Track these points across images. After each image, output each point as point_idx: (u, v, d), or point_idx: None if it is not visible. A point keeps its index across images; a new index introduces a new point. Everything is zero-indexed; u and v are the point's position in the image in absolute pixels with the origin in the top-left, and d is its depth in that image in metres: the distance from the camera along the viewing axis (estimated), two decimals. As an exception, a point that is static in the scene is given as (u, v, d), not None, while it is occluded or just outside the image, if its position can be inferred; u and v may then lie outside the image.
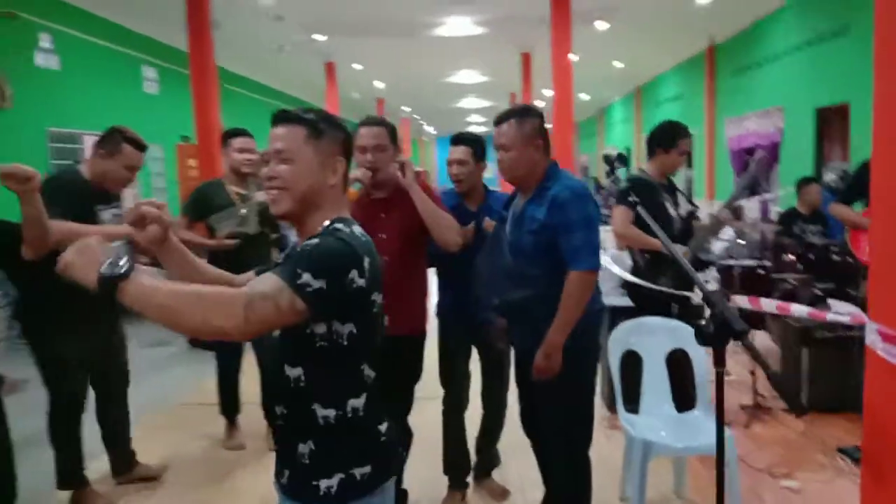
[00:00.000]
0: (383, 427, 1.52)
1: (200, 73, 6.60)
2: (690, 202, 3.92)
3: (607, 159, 14.77)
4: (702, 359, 2.99)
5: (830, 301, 4.33)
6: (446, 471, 3.21)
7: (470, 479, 3.26)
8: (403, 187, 2.67)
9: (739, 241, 5.97)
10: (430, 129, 31.68)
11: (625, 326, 3.08)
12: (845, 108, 7.61)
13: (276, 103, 15.36)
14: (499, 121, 2.55)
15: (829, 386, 4.04)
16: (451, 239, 2.67)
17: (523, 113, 2.55)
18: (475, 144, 3.02)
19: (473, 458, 3.27)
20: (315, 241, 1.37)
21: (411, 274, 2.76)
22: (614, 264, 4.28)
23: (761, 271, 5.29)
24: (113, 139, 3.06)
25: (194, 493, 3.39)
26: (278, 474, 1.50)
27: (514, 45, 12.33)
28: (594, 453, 2.62)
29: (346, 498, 1.41)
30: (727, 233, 7.36)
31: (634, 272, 3.71)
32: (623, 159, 14.61)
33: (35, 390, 3.22)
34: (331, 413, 1.42)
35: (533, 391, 2.66)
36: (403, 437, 2.87)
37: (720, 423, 1.62)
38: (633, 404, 3.03)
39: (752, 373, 4.31)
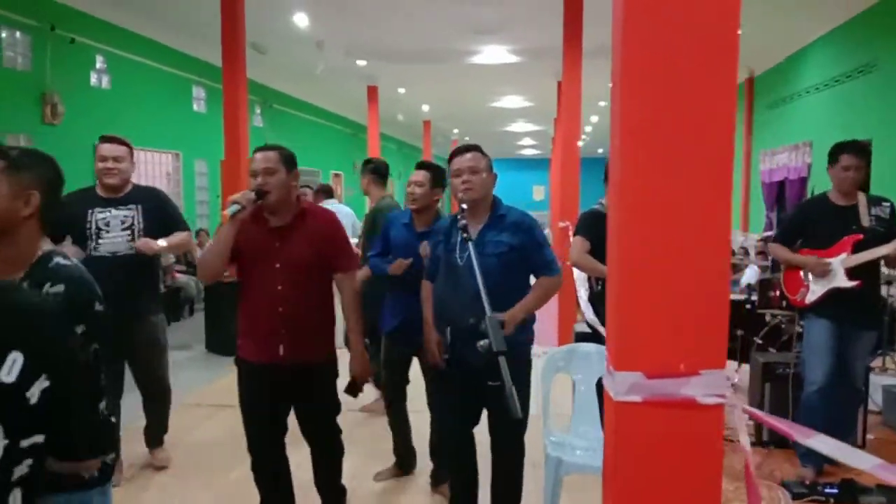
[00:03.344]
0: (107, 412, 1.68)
1: (232, 93, 7.07)
2: None
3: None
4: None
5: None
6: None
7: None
8: (300, 214, 2.74)
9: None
10: (483, 151, 31.95)
11: (557, 351, 3.28)
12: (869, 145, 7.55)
13: (321, 122, 15.99)
14: (466, 150, 2.88)
15: (786, 419, 4.09)
16: None
17: (480, 148, 2.91)
18: (435, 171, 3.44)
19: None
20: (60, 287, 1.52)
21: (310, 302, 2.76)
22: (581, 287, 4.46)
23: (748, 307, 5.37)
24: None
25: (192, 486, 3.74)
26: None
27: (551, 74, 12.55)
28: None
29: (103, 481, 1.67)
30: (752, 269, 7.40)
31: (590, 298, 3.92)
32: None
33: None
34: None
35: (487, 400, 2.82)
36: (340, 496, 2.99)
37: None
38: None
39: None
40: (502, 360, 1.88)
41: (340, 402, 2.91)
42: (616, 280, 1.26)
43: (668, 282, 1.20)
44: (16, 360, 1.22)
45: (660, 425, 1.21)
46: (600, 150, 26.90)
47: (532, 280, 2.88)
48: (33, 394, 1.23)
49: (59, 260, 1.59)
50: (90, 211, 3.49)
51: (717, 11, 1.14)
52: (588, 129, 21.15)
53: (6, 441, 1.21)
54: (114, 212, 3.53)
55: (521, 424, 2.82)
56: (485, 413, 2.90)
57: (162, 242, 3.58)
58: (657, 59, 1.18)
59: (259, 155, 2.71)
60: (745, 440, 1.25)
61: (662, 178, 1.19)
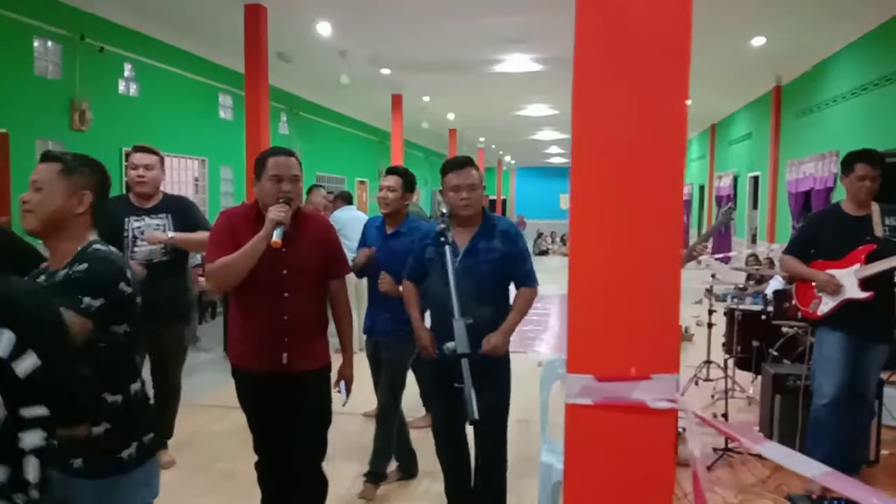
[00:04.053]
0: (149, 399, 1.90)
1: (255, 100, 7.21)
2: None
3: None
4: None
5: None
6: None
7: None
8: (300, 219, 2.69)
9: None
10: (510, 160, 32.01)
11: (556, 359, 3.28)
12: (895, 154, 7.40)
13: (346, 129, 16.15)
14: (462, 165, 2.93)
15: (795, 432, 4.03)
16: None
17: (474, 161, 3.00)
18: (406, 177, 3.55)
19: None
20: (84, 265, 1.70)
21: (313, 309, 2.75)
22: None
23: (763, 317, 5.29)
24: None
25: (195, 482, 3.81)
26: (62, 464, 1.71)
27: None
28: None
29: (143, 459, 1.79)
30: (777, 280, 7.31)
31: None
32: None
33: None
34: (118, 398, 1.78)
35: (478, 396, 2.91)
36: (321, 486, 2.84)
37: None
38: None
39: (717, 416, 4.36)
40: (465, 362, 1.91)
41: (332, 415, 2.85)
42: (573, 286, 1.27)
43: (621, 289, 1.22)
44: (5, 335, 1.33)
45: (611, 428, 1.21)
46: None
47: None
48: (23, 368, 1.32)
49: (96, 246, 1.77)
50: (127, 220, 3.68)
51: (670, 24, 1.16)
52: (615, 137, 21.01)
53: (5, 411, 1.31)
54: (147, 220, 3.72)
55: (501, 423, 2.89)
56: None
57: (171, 234, 3.70)
58: (610, 74, 1.20)
59: (283, 160, 2.62)
60: (694, 446, 1.26)
61: (615, 191, 1.21)
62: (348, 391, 2.88)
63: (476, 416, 1.83)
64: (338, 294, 2.86)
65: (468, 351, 1.95)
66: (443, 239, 2.54)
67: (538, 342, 7.65)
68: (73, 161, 1.82)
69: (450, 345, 2.03)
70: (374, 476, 3.60)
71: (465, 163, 2.93)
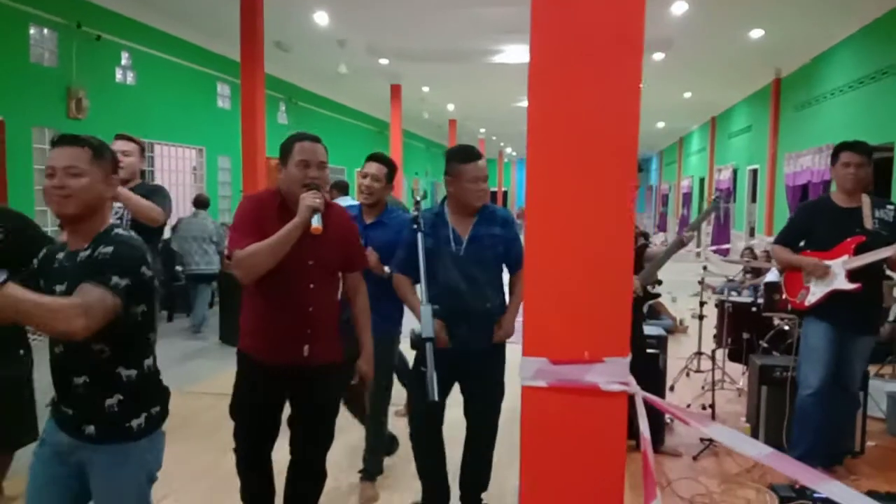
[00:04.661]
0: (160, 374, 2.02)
1: (251, 89, 7.22)
2: (644, 236, 4.14)
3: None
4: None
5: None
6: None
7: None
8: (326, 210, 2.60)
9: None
10: (511, 151, 31.98)
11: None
12: (890, 148, 7.39)
13: (346, 119, 16.14)
14: (480, 155, 2.99)
15: (782, 423, 4.05)
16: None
17: None
18: (390, 165, 3.46)
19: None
20: (110, 248, 1.77)
21: (334, 301, 2.72)
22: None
23: (754, 309, 5.31)
24: None
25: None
26: (75, 430, 1.87)
27: (575, 73, 12.51)
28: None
29: (151, 430, 1.90)
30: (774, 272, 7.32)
31: None
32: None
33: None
34: (133, 372, 1.87)
35: (478, 383, 3.03)
36: (322, 478, 2.83)
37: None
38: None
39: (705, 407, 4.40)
40: (429, 345, 1.94)
41: (339, 405, 2.87)
42: (528, 273, 1.29)
43: (574, 275, 1.24)
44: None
45: (565, 410, 1.24)
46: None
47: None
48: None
49: (118, 230, 1.87)
50: None
51: (622, 19, 1.17)
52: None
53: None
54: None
55: (495, 408, 3.02)
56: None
57: (124, 191, 3.59)
58: (564, 66, 1.22)
59: (309, 145, 2.55)
60: (644, 426, 1.28)
61: (569, 180, 1.23)
62: (366, 387, 2.88)
63: (436, 397, 1.86)
64: (357, 288, 2.80)
65: (433, 335, 1.99)
66: (416, 226, 2.56)
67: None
68: (98, 145, 1.87)
69: (416, 329, 2.06)
70: (371, 474, 3.59)
71: (478, 154, 2.97)
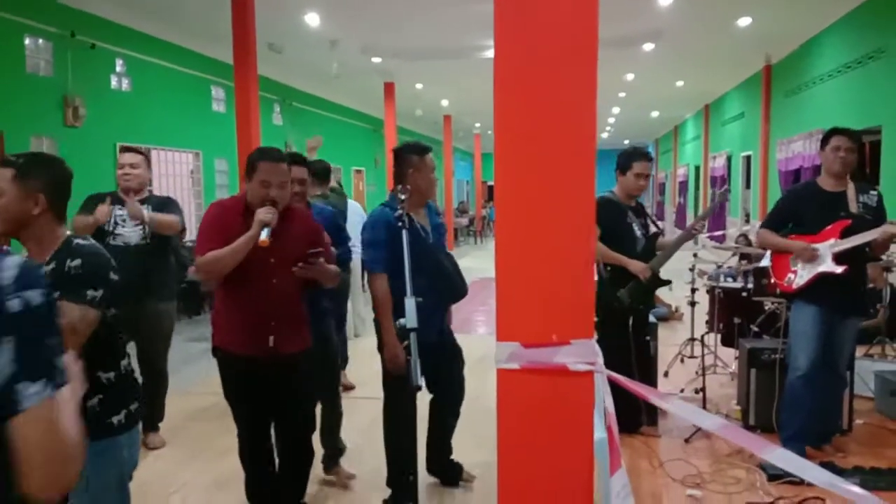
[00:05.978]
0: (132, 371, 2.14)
1: (244, 92, 7.29)
2: (656, 225, 4.26)
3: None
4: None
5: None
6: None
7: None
8: (289, 215, 2.87)
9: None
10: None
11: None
12: (878, 132, 7.47)
13: (341, 118, 16.20)
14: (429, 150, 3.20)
15: (771, 405, 4.15)
16: None
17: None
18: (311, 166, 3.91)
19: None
20: (78, 260, 1.88)
21: (298, 295, 2.95)
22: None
23: (744, 294, 5.40)
24: None
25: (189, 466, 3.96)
26: None
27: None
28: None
29: (130, 426, 2.01)
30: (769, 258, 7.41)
31: (598, 284, 4.04)
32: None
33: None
34: (111, 374, 2.00)
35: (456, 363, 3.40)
36: (310, 457, 3.14)
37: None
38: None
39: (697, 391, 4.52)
40: (413, 336, 2.05)
41: (315, 396, 3.08)
42: (499, 263, 1.39)
43: (541, 263, 1.33)
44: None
45: (537, 390, 1.33)
46: (626, 141, 26.71)
47: None
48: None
49: (78, 241, 1.96)
50: (112, 208, 3.95)
51: (577, 20, 1.27)
52: (611, 120, 21.06)
53: None
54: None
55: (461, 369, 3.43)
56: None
57: (148, 211, 3.94)
58: (527, 69, 1.32)
59: (271, 166, 2.76)
60: (609, 402, 1.37)
61: (534, 174, 1.33)
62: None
63: (420, 383, 1.98)
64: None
65: (416, 325, 2.11)
66: (400, 224, 2.66)
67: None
68: (25, 165, 1.92)
69: (401, 321, 2.18)
70: (339, 452, 3.78)
71: (427, 149, 3.21)
